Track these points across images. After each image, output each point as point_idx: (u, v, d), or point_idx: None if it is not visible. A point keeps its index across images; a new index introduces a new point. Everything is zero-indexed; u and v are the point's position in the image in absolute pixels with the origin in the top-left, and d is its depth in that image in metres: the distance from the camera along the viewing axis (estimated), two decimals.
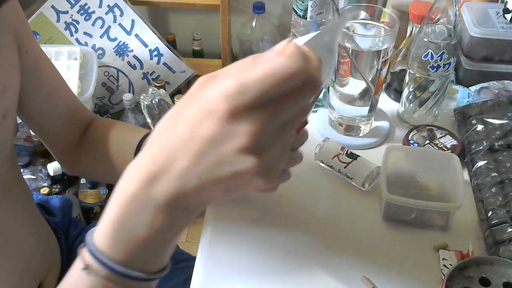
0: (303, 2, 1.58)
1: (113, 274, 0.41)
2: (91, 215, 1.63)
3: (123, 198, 0.40)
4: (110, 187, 1.66)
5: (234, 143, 0.36)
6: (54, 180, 1.59)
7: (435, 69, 0.76)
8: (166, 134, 0.39)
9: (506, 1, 0.90)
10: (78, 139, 0.76)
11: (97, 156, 0.74)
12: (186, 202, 0.39)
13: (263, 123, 0.36)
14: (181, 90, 1.89)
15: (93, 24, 1.76)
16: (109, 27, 1.76)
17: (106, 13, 1.75)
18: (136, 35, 1.77)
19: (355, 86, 0.76)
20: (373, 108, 0.79)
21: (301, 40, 0.41)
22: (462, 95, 0.87)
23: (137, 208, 0.39)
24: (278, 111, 0.36)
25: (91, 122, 0.78)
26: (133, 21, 1.76)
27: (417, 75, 0.78)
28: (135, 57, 1.79)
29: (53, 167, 1.55)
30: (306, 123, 0.49)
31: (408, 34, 0.85)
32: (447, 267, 0.63)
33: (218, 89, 0.35)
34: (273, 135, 0.37)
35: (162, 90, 1.67)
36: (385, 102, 0.88)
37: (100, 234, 0.41)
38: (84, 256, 0.42)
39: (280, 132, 0.37)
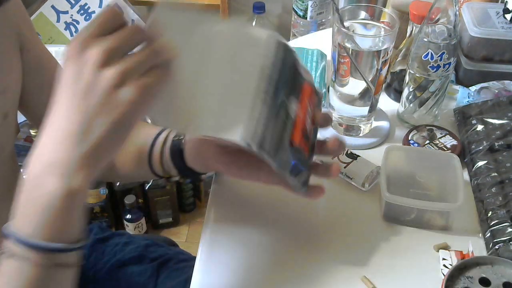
0: (303, 2, 1.58)
1: (32, 251, 0.43)
2: (91, 215, 1.63)
3: (26, 179, 0.44)
4: (110, 187, 1.66)
5: (92, 63, 0.42)
6: None
7: (435, 69, 0.76)
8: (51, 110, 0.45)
9: (506, 1, 0.90)
10: None
11: None
12: (86, 155, 0.43)
13: (109, 42, 0.42)
14: None
15: None
16: None
17: None
18: None
19: (355, 86, 0.76)
20: (373, 108, 0.79)
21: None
22: (462, 95, 0.87)
23: (38, 182, 0.43)
24: (114, 35, 0.43)
25: None
26: (133, 21, 1.76)
27: (417, 75, 0.78)
28: None
29: None
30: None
31: (408, 34, 0.85)
32: (447, 267, 0.63)
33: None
34: (120, 50, 0.43)
35: None
36: (385, 102, 0.88)
37: (14, 218, 0.44)
38: (5, 244, 0.44)
39: (125, 48, 0.44)
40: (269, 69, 0.48)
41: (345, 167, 0.73)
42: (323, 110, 0.84)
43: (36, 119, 0.73)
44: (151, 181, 1.62)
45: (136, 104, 0.43)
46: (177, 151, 0.65)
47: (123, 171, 0.74)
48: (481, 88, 0.87)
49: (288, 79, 0.50)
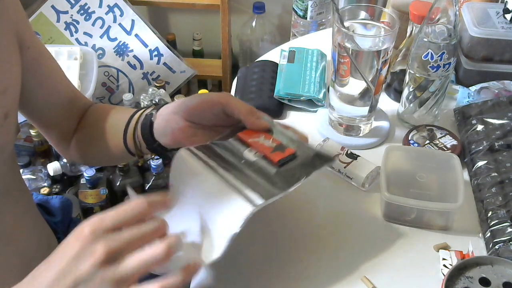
0: (303, 2, 1.58)
1: None
2: (91, 215, 1.63)
3: None
4: (110, 187, 1.66)
5: (93, 258, 0.44)
6: (54, 180, 1.59)
7: (435, 69, 0.76)
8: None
9: (506, 1, 0.90)
10: (76, 126, 0.77)
11: (93, 139, 0.75)
12: None
13: (118, 241, 0.46)
14: (181, 90, 1.88)
15: (93, 24, 1.76)
16: (109, 27, 1.76)
17: (106, 13, 1.75)
18: (136, 35, 1.77)
19: (355, 86, 0.76)
20: (373, 108, 0.79)
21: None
22: (462, 95, 0.87)
23: None
24: (125, 235, 0.47)
25: (88, 108, 0.78)
26: (133, 21, 1.76)
27: (417, 75, 0.78)
28: (135, 57, 1.79)
29: (53, 167, 1.55)
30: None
31: (408, 34, 0.85)
32: (447, 267, 0.63)
33: (86, 221, 0.47)
34: (124, 252, 0.46)
35: (162, 90, 1.67)
36: (385, 102, 0.88)
37: None
38: None
39: (129, 250, 0.46)
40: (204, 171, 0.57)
41: (345, 167, 0.73)
42: (322, 110, 0.84)
43: (34, 116, 0.73)
44: (151, 181, 1.62)
45: None
46: (148, 124, 0.67)
47: (99, 153, 0.77)
48: (481, 88, 0.87)
49: (225, 153, 0.59)
